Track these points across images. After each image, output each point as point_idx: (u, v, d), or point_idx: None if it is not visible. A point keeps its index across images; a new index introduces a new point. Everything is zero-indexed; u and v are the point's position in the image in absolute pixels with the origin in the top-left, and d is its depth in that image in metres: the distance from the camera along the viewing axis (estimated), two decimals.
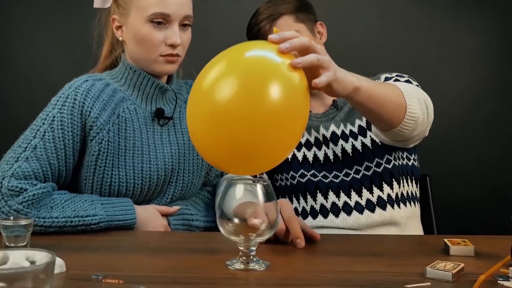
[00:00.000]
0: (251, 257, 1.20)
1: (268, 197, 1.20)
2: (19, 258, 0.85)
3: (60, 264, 1.14)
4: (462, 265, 1.16)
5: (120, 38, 1.75)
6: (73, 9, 2.80)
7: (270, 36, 1.20)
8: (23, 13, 2.89)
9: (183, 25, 1.71)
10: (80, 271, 1.15)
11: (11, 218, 1.22)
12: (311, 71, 1.23)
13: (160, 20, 1.66)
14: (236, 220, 1.18)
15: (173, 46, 1.68)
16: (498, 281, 1.10)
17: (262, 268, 1.17)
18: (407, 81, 1.79)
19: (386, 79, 1.83)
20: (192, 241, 1.50)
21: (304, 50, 1.22)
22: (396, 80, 1.80)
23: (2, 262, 0.85)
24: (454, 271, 1.11)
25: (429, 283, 1.09)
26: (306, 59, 1.18)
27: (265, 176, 1.90)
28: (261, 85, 1.13)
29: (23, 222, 1.20)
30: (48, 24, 2.87)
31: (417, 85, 1.78)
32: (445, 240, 1.36)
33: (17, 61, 2.89)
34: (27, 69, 2.87)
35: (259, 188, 1.19)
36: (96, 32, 1.83)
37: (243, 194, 1.19)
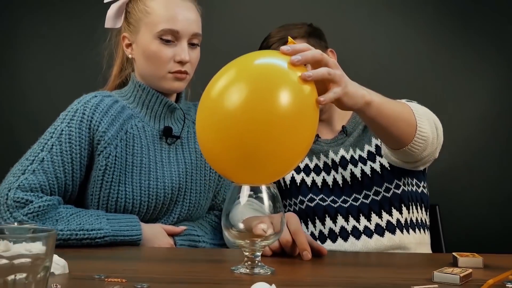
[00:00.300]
0: (256, 262, 1.18)
1: (272, 199, 1.19)
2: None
3: (62, 265, 1.13)
4: (470, 270, 1.14)
5: (130, 56, 1.77)
6: (83, 30, 2.84)
7: (282, 48, 1.20)
8: (33, 34, 2.94)
9: (191, 44, 1.73)
10: (83, 272, 1.14)
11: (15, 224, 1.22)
12: (323, 84, 1.24)
13: (169, 38, 1.69)
14: (241, 225, 1.18)
15: (181, 63, 1.70)
16: (507, 286, 1.08)
17: (267, 273, 1.16)
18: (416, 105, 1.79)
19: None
20: (197, 254, 1.49)
21: (316, 63, 1.22)
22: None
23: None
24: (461, 275, 1.09)
25: (436, 285, 1.07)
26: (317, 73, 1.19)
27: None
28: (270, 92, 1.13)
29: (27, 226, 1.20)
30: (58, 44, 2.91)
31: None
32: (454, 253, 1.34)
33: (26, 83, 2.93)
34: (36, 91, 2.91)
35: (263, 189, 1.19)
36: (106, 52, 1.86)
37: (247, 198, 1.19)
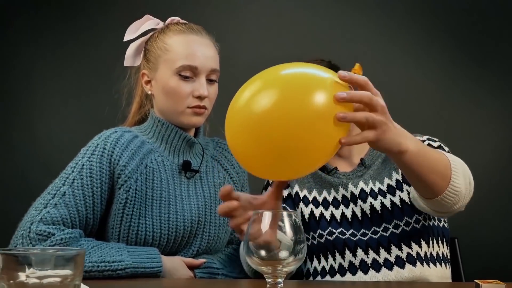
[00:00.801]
0: None
1: (294, 228, 1.19)
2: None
3: None
4: None
5: (149, 92, 1.81)
6: (99, 69, 2.90)
7: (340, 72, 1.21)
8: (50, 74, 3.00)
9: (210, 80, 1.76)
10: None
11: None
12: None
13: (188, 74, 1.72)
14: (262, 253, 1.18)
15: (200, 98, 1.73)
16: None
17: None
18: (439, 146, 1.78)
19: None
20: (217, 285, 1.49)
21: (362, 106, 1.22)
22: (429, 144, 1.78)
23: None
24: None
25: None
26: (354, 117, 1.19)
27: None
28: (301, 91, 1.17)
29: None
30: (74, 83, 2.97)
31: (448, 151, 1.78)
32: (476, 280, 1.34)
33: (43, 123, 2.97)
34: (53, 131, 2.95)
35: (285, 217, 1.19)
36: (126, 90, 1.89)
37: (268, 226, 1.19)
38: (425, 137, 1.84)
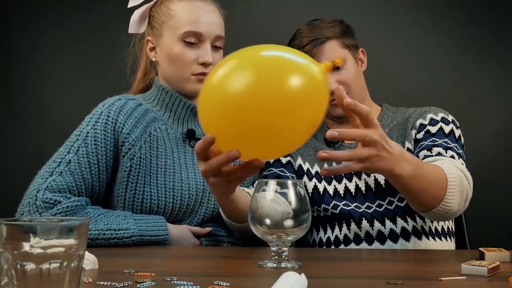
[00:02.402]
0: (284, 256, 1.19)
1: (299, 196, 1.19)
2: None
3: (92, 261, 1.14)
4: (498, 262, 1.14)
5: (154, 59, 1.80)
6: (104, 36, 2.89)
7: (346, 100, 1.20)
8: (56, 43, 2.99)
9: (215, 46, 1.75)
10: (113, 268, 1.16)
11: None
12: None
13: (193, 40, 1.71)
14: (267, 221, 1.18)
15: (205, 64, 1.72)
16: None
17: (295, 267, 1.16)
18: (450, 132, 1.76)
19: (432, 121, 1.80)
20: (224, 251, 1.51)
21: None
22: (440, 129, 1.77)
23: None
24: (489, 267, 1.09)
25: (464, 277, 1.07)
26: (337, 157, 1.22)
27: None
28: (278, 72, 1.13)
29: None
30: (80, 52, 2.96)
31: (460, 136, 1.78)
32: (480, 249, 1.34)
33: (49, 89, 2.98)
34: (59, 98, 2.96)
35: (289, 185, 1.19)
36: (130, 57, 1.88)
37: (273, 194, 1.19)
38: (439, 116, 1.81)
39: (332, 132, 1.19)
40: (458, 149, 1.71)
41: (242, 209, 1.47)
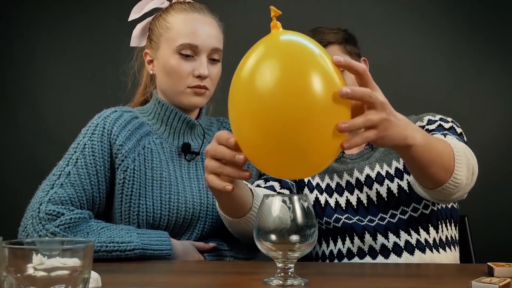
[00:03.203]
0: (289, 273, 1.17)
1: (305, 211, 1.17)
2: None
3: (96, 278, 1.12)
4: (509, 280, 1.12)
5: (152, 72, 1.80)
6: (103, 49, 2.87)
7: (336, 57, 1.14)
8: (53, 55, 2.98)
9: (212, 59, 1.74)
10: (116, 286, 1.14)
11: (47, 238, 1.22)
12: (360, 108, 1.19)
13: (189, 53, 1.70)
14: (273, 237, 1.16)
15: (200, 77, 1.71)
16: None
17: (301, 284, 1.14)
18: (451, 128, 1.75)
19: (429, 121, 1.79)
20: (227, 267, 1.49)
21: (361, 105, 1.17)
22: (440, 125, 1.76)
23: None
24: (500, 284, 1.07)
25: None
26: (353, 125, 1.13)
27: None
28: (304, 78, 1.09)
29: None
30: (78, 64, 2.95)
31: (461, 133, 1.76)
32: (489, 263, 1.32)
33: (47, 103, 2.96)
34: (56, 111, 2.95)
35: (295, 201, 1.17)
36: (132, 71, 1.88)
37: (279, 210, 1.17)
38: (437, 117, 1.80)
39: (345, 89, 1.12)
40: (460, 140, 1.68)
41: (238, 201, 1.45)
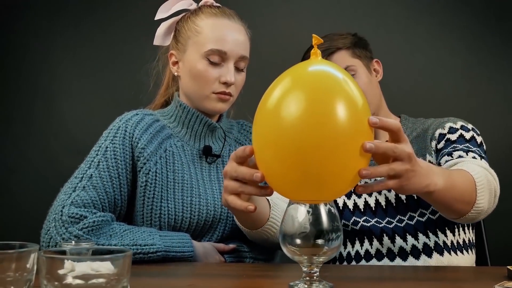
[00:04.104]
0: (315, 277, 1.18)
1: (331, 218, 1.18)
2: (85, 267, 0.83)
3: None
4: None
5: (176, 74, 1.79)
6: (123, 48, 2.88)
7: (371, 118, 1.13)
8: (70, 56, 2.98)
9: (237, 68, 1.74)
10: None
11: (72, 243, 1.23)
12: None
13: (216, 60, 1.70)
14: (298, 241, 1.17)
15: (226, 84, 1.71)
16: None
17: None
18: (472, 138, 1.75)
19: (451, 129, 1.79)
20: (251, 269, 1.50)
21: (386, 156, 1.18)
22: (461, 136, 1.76)
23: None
24: None
25: None
26: (376, 172, 1.15)
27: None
28: (329, 106, 1.10)
29: (84, 245, 1.20)
30: (96, 66, 2.96)
31: (481, 142, 1.77)
32: (509, 267, 1.33)
33: (65, 106, 2.97)
34: (75, 114, 2.95)
35: (321, 207, 1.18)
36: (154, 71, 1.89)
37: (304, 215, 1.18)
38: (458, 124, 1.81)
39: (369, 144, 1.15)
40: (481, 153, 1.69)
41: (255, 214, 1.46)
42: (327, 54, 1.86)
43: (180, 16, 1.82)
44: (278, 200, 1.55)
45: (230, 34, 1.73)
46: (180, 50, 1.78)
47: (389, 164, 1.17)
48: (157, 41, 1.85)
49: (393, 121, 1.18)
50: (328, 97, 1.12)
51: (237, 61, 1.73)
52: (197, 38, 1.73)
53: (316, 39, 1.19)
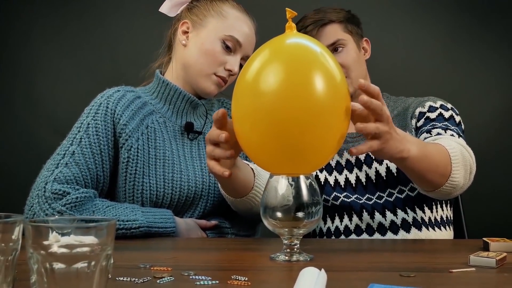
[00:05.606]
0: (295, 249, 1.21)
1: (312, 191, 1.21)
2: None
3: None
4: (505, 254, 1.16)
5: (183, 42, 1.81)
6: (101, 25, 2.86)
7: (361, 81, 1.21)
8: (48, 33, 2.96)
9: (240, 63, 1.80)
10: (127, 262, 1.17)
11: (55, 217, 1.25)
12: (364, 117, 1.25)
13: (230, 46, 1.76)
14: (279, 214, 1.20)
15: (229, 72, 1.77)
16: None
17: (307, 260, 1.18)
18: (450, 117, 1.79)
19: (430, 108, 1.83)
20: (233, 243, 1.53)
21: (372, 113, 1.23)
22: (440, 114, 1.80)
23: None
24: (497, 258, 1.12)
25: (473, 269, 1.09)
26: (367, 128, 1.22)
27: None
28: (307, 79, 1.13)
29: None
30: (76, 40, 2.93)
31: (460, 122, 1.80)
32: (484, 239, 1.36)
33: (43, 84, 2.95)
34: (53, 92, 2.94)
35: (301, 179, 1.21)
36: (168, 39, 1.92)
37: (285, 188, 1.21)
38: (438, 103, 1.84)
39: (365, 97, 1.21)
40: (459, 132, 1.73)
41: (239, 182, 1.50)
42: (320, 25, 1.88)
43: None
44: (263, 171, 1.58)
45: (249, 33, 1.81)
46: (196, 23, 1.81)
47: (375, 124, 1.23)
48: (163, 9, 1.87)
49: (375, 86, 1.23)
50: (306, 69, 1.14)
51: (243, 58, 1.79)
52: (221, 20, 1.78)
53: (290, 13, 1.21)
